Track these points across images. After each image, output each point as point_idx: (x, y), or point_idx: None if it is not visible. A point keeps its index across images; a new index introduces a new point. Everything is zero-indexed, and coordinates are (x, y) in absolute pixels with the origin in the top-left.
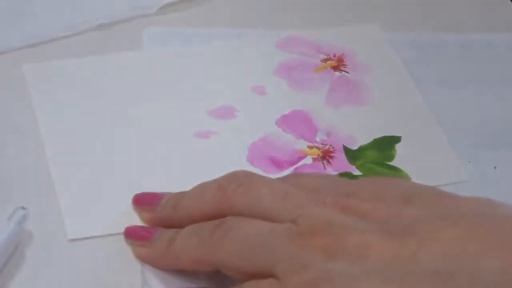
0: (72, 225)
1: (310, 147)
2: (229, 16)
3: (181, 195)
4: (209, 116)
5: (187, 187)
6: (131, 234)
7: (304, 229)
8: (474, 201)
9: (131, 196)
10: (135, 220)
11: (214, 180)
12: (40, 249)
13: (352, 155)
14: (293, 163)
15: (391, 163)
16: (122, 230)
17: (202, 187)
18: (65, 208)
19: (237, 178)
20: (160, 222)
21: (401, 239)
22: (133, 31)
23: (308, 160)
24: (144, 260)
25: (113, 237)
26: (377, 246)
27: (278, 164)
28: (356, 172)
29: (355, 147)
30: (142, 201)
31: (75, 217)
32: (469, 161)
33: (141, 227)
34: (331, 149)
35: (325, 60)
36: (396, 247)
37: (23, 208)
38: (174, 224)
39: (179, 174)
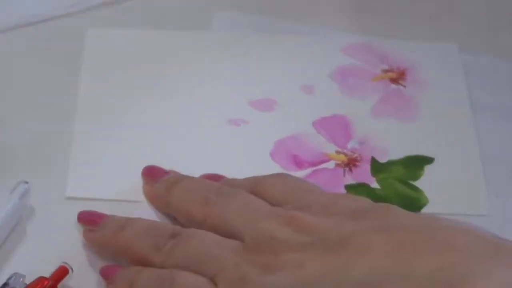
0: (74, 184)
1: (338, 153)
2: (304, 11)
3: (177, 180)
4: (248, 106)
5: (201, 171)
6: (82, 218)
7: (249, 245)
8: (421, 216)
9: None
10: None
11: (205, 185)
12: (42, 223)
13: (377, 167)
14: (314, 164)
15: (415, 183)
16: (125, 198)
17: (194, 186)
18: (72, 166)
19: (222, 192)
20: (155, 199)
21: (336, 251)
22: (203, 14)
23: (330, 165)
24: (91, 244)
25: (116, 209)
26: (312, 259)
27: (298, 164)
28: (375, 185)
29: (384, 161)
30: (147, 173)
31: (79, 176)
32: (497, 196)
33: (94, 212)
34: (358, 158)
35: (386, 71)
36: (330, 260)
37: (25, 182)
38: (166, 206)
39: (196, 156)
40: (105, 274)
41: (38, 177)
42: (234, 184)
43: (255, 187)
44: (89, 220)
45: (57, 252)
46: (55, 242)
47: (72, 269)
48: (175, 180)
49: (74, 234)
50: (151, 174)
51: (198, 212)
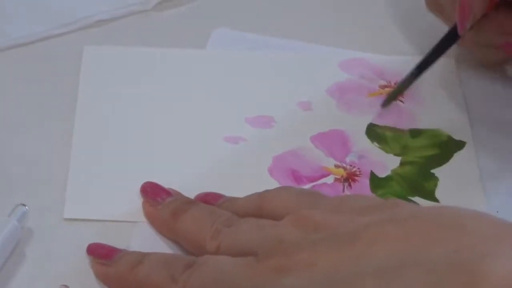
0: (71, 205)
1: (337, 166)
2: (303, 29)
3: (184, 207)
4: (244, 123)
5: (199, 189)
6: (93, 251)
7: (261, 256)
8: (429, 207)
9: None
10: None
11: (213, 215)
12: (41, 246)
13: (376, 183)
14: (313, 179)
15: (414, 199)
16: (124, 218)
17: (202, 216)
18: (70, 187)
19: (232, 222)
20: (157, 222)
21: (348, 244)
22: (199, 32)
23: (329, 180)
24: (103, 279)
25: (113, 233)
26: (324, 254)
27: (297, 179)
28: None
29: (383, 175)
30: (147, 191)
31: (77, 197)
32: (497, 211)
33: (105, 245)
34: (357, 172)
35: (383, 87)
36: (343, 254)
37: (23, 205)
38: (171, 232)
39: (193, 174)
40: None
41: (35, 199)
42: (236, 203)
43: (260, 201)
44: (100, 254)
45: (56, 275)
46: (54, 264)
47: None
48: (182, 207)
49: (73, 256)
50: (152, 193)
51: (209, 245)
